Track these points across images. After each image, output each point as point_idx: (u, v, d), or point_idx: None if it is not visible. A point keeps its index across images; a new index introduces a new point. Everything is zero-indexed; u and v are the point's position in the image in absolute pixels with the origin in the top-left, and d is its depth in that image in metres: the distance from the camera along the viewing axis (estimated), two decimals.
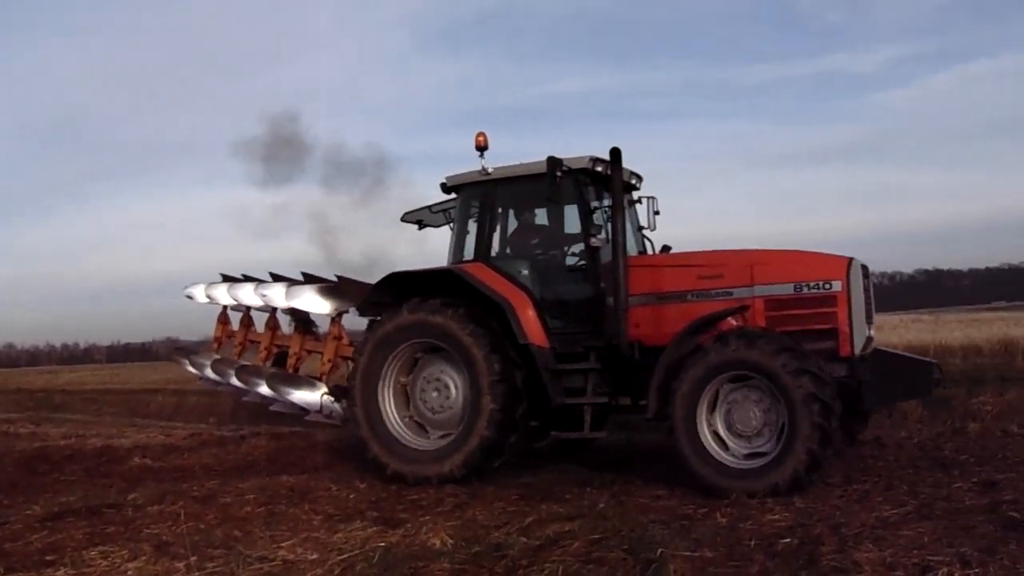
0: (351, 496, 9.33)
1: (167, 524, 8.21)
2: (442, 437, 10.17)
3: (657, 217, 10.85)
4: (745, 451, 8.59)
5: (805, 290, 9.06)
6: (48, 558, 7.20)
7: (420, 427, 10.37)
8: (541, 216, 10.86)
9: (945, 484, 8.35)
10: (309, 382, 13.54)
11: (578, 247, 10.21)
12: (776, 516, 7.43)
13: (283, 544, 7.32)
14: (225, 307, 15.32)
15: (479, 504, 8.72)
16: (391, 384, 10.37)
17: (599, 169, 10.10)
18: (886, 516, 7.24)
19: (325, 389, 12.89)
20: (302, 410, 13.61)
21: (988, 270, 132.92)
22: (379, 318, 10.58)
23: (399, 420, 10.33)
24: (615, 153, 9.55)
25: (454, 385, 10.08)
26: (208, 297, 15.20)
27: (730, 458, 8.58)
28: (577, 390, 9.72)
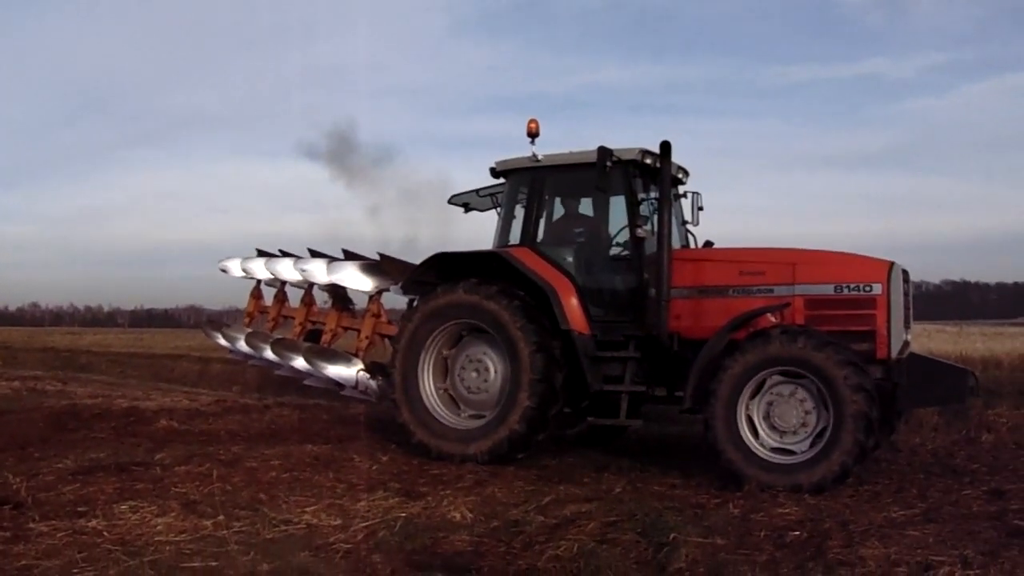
0: (374, 467, 9.49)
1: (194, 484, 8.42)
2: (472, 417, 10.32)
3: (700, 212, 10.96)
4: (774, 444, 8.70)
5: (846, 291, 9.10)
6: (80, 509, 7.43)
7: (453, 402, 10.50)
8: (588, 205, 10.96)
9: (955, 490, 8.45)
10: (345, 357, 13.62)
11: (623, 237, 10.30)
12: (787, 510, 7.57)
13: (307, 509, 7.53)
14: (259, 281, 15.42)
15: (499, 482, 8.90)
16: (433, 355, 10.51)
17: (648, 161, 10.18)
18: (894, 517, 7.38)
19: (361, 365, 13.01)
20: (337, 385, 13.68)
21: (1016, 285, 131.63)
22: (415, 299, 10.76)
23: (434, 391, 10.47)
24: (665, 146, 9.63)
25: (494, 369, 10.20)
26: (244, 271, 15.27)
27: (758, 446, 8.69)
28: (615, 378, 9.84)
